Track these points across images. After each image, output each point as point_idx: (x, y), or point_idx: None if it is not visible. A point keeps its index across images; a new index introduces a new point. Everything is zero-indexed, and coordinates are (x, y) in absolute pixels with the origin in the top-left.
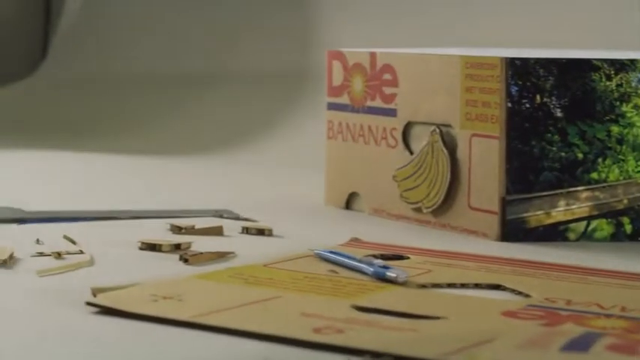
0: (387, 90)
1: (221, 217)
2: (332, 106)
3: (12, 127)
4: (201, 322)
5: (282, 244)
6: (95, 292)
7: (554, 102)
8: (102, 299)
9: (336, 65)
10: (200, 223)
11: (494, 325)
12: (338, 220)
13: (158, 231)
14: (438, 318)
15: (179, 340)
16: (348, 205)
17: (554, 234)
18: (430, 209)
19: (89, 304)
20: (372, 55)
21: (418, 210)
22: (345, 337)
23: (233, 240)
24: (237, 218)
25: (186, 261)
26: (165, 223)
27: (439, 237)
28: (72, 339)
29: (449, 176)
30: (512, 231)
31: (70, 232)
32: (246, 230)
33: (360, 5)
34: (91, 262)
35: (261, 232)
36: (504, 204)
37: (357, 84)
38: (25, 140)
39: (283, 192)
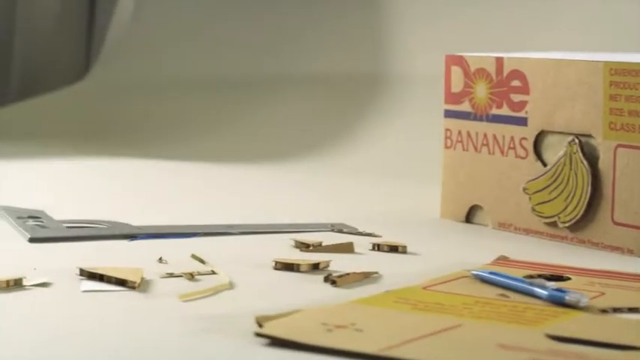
0: (516, 97)
1: (340, 231)
2: (450, 114)
3: (67, 132)
4: (393, 356)
5: (420, 262)
6: (260, 320)
7: None
8: (272, 329)
9: (456, 71)
10: (321, 238)
11: None
12: (464, 235)
13: (280, 247)
14: None
15: None
16: (468, 218)
17: None
18: (567, 224)
19: (259, 334)
20: (499, 60)
21: (553, 224)
22: None
23: (366, 258)
24: (359, 233)
25: (333, 283)
26: (283, 238)
27: (580, 253)
28: None
29: (589, 189)
30: None
31: (186, 249)
32: (377, 247)
33: (432, 5)
34: (231, 285)
35: (394, 249)
36: None
37: (481, 91)
38: (83, 147)
39: (389, 203)
